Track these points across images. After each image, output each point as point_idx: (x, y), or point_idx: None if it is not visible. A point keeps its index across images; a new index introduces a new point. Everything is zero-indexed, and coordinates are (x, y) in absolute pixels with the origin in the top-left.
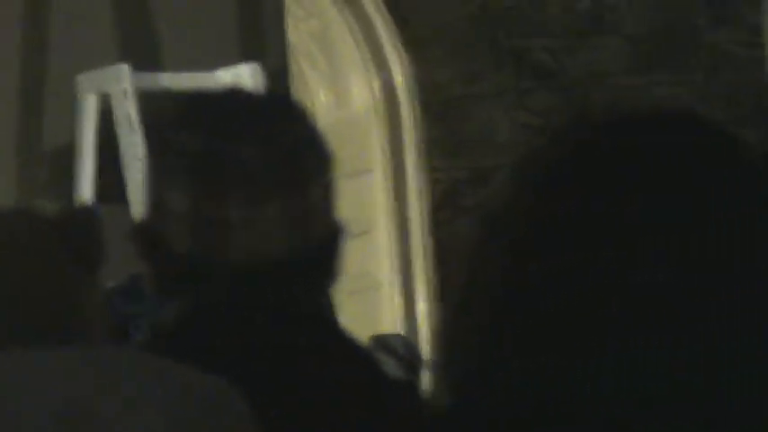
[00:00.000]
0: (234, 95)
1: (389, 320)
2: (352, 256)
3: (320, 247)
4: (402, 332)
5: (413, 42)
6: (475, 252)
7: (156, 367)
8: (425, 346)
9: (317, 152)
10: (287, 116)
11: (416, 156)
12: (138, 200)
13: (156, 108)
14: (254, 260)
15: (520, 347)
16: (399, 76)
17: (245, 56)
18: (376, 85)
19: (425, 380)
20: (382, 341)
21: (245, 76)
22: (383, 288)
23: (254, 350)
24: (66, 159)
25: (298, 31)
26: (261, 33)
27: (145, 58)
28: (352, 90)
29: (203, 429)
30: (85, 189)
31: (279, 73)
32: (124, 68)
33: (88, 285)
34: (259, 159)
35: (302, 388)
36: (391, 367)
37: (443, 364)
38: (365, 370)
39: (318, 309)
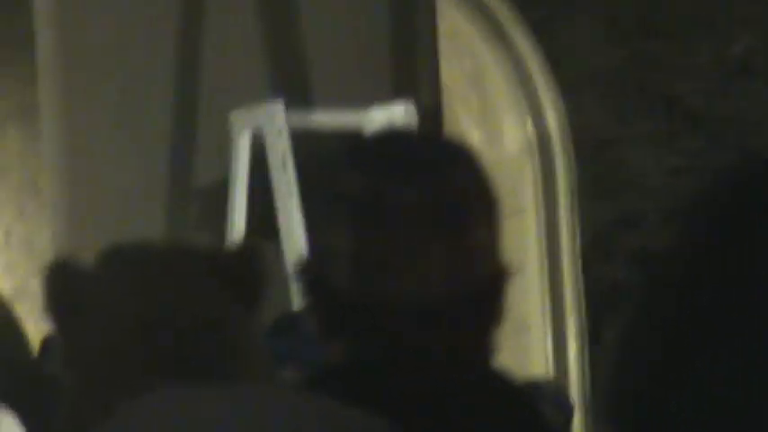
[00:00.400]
0: (401, 137)
1: (540, 362)
2: None
3: (484, 291)
4: (552, 374)
5: (565, 85)
6: (641, 296)
7: (320, 409)
8: (575, 388)
9: (484, 196)
10: (454, 159)
11: (568, 197)
12: (290, 237)
13: (307, 146)
14: (416, 304)
15: (688, 392)
16: (552, 118)
17: (399, 94)
18: (529, 125)
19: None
20: (535, 386)
21: (398, 114)
22: (533, 329)
23: (416, 394)
24: (216, 195)
25: (451, 71)
26: (414, 72)
27: (297, 95)
28: (505, 130)
29: None
30: (238, 225)
31: (432, 112)
32: (279, 106)
33: (249, 323)
34: (423, 203)
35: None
36: (546, 413)
37: (611, 405)
38: (526, 417)
39: (481, 353)
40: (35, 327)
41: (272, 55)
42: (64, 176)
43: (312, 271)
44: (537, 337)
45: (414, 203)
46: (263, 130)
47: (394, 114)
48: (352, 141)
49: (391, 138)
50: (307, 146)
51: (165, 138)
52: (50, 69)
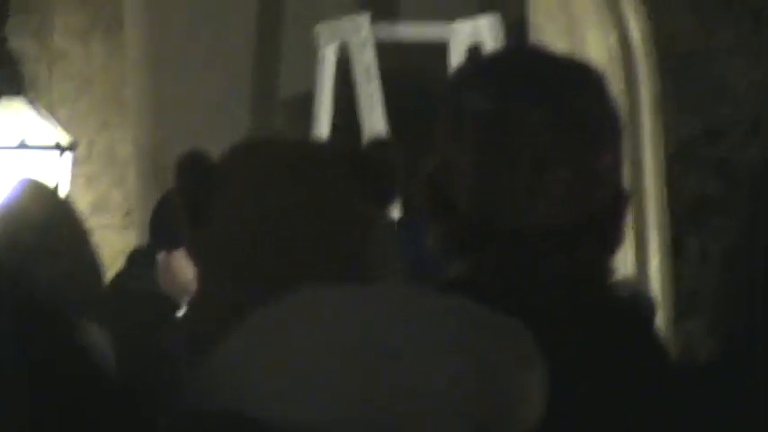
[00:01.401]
0: (526, 54)
1: (621, 274)
2: None
3: (605, 214)
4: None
5: None
6: (746, 220)
7: (463, 307)
8: (656, 300)
9: (609, 119)
10: (581, 80)
11: (652, 110)
12: None
13: (392, 58)
14: (538, 225)
15: None
16: (636, 29)
17: (484, 7)
18: (612, 38)
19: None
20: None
21: (483, 27)
22: None
23: (535, 315)
24: (301, 107)
25: None
26: None
27: (383, 8)
28: (589, 43)
29: (507, 372)
30: (323, 137)
31: (517, 25)
32: (365, 19)
33: (382, 222)
34: (549, 124)
35: (581, 351)
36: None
37: (715, 317)
38: (645, 341)
39: (601, 275)
40: (117, 238)
41: None
42: (147, 89)
43: (432, 185)
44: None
45: (540, 124)
46: (348, 43)
47: (480, 27)
48: (481, 57)
49: (517, 55)
50: (392, 58)
51: (251, 49)
52: None
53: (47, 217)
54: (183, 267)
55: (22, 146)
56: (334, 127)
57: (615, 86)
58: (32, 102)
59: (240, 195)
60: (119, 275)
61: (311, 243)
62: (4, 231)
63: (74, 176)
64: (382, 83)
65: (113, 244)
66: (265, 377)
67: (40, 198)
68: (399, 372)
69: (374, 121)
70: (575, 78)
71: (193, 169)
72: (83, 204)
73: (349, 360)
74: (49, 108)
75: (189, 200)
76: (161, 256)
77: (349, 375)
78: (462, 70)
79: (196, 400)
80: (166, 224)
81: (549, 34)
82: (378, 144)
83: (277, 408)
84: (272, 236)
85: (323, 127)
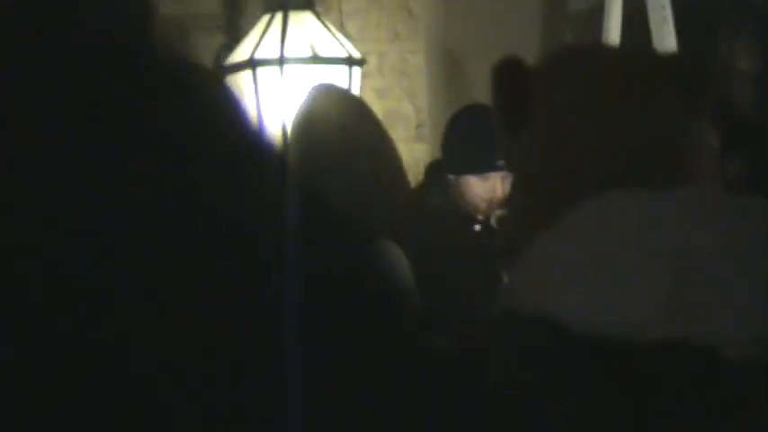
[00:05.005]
0: None
1: None
2: None
3: None
4: None
5: None
6: None
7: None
8: None
9: None
10: None
11: None
12: None
13: None
14: None
15: None
16: None
17: None
18: None
19: None
20: None
21: None
22: None
23: None
24: (591, 19)
25: None
26: None
27: None
28: None
29: None
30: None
31: None
32: None
33: (698, 127)
34: None
35: None
36: None
37: None
38: None
39: None
40: (408, 151)
41: None
42: (436, 1)
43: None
44: None
45: None
46: None
47: None
48: None
49: None
50: None
51: None
52: None
53: (346, 118)
54: (476, 192)
55: (314, 59)
56: (623, 42)
57: None
58: (321, 15)
59: (566, 102)
60: (417, 190)
61: (633, 154)
62: (299, 136)
63: (364, 89)
64: None
65: (404, 157)
66: (571, 282)
67: (338, 101)
68: (711, 275)
69: (664, 35)
70: None
71: (513, 73)
72: None
73: (658, 263)
74: (338, 21)
75: (507, 104)
76: (452, 178)
77: (659, 278)
78: None
79: (505, 303)
80: (458, 150)
81: None
82: (698, 56)
83: (583, 312)
84: (595, 144)
85: (612, 39)
